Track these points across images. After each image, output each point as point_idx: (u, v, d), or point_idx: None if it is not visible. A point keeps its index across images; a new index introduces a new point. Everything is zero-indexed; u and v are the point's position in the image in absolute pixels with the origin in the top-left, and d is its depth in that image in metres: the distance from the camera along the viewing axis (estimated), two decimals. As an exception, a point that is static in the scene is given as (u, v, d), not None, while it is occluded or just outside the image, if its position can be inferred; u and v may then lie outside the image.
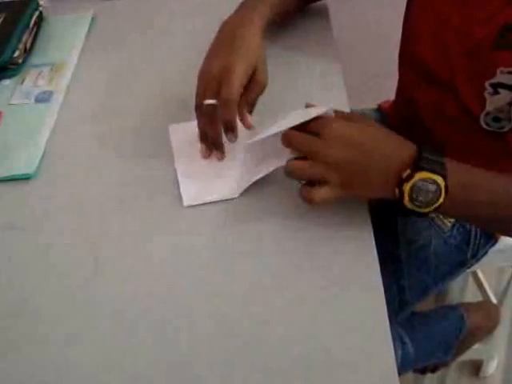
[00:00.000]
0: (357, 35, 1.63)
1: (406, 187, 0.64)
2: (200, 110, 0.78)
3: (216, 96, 0.75)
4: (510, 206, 0.71)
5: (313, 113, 0.68)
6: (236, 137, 0.76)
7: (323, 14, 1.02)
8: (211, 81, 0.76)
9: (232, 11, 0.96)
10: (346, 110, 0.84)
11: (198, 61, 0.96)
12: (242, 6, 0.86)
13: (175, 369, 0.61)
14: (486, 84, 0.82)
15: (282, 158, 0.70)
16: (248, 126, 0.77)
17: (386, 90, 1.10)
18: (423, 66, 0.94)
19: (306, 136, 0.67)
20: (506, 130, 0.86)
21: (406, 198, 0.65)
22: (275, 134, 0.69)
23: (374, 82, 1.29)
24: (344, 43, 1.05)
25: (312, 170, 0.67)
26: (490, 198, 0.70)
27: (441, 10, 0.86)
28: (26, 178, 0.81)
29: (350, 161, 0.66)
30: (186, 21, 1.06)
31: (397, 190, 0.65)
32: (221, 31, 0.82)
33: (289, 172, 0.68)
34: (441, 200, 0.65)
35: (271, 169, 0.73)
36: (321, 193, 0.67)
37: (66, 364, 0.63)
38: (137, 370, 0.62)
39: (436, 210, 0.66)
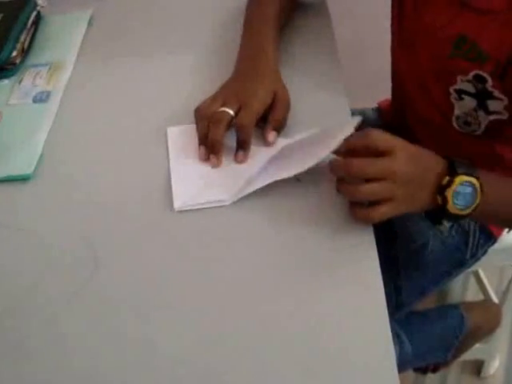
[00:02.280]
0: (357, 34, 1.62)
1: (449, 192, 0.67)
2: (201, 113, 0.80)
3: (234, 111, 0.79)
4: None
5: (338, 136, 0.69)
6: (246, 158, 0.78)
7: (323, 13, 1.02)
8: (231, 99, 0.80)
9: (232, 9, 0.96)
10: (346, 110, 0.84)
11: (198, 60, 0.96)
12: (248, 33, 0.91)
13: (175, 367, 0.61)
14: (451, 89, 0.84)
15: (287, 170, 0.72)
16: (268, 143, 0.79)
17: (386, 89, 1.10)
18: (400, 67, 0.97)
19: (372, 159, 0.67)
20: (478, 133, 0.87)
21: (450, 203, 0.67)
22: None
23: (374, 81, 1.29)
24: (344, 42, 1.04)
25: (382, 189, 0.67)
26: None
27: (410, 11, 0.87)
28: (24, 179, 0.80)
29: (413, 176, 0.68)
30: (185, 19, 1.05)
31: (439, 197, 0.68)
32: (238, 67, 0.87)
33: (359, 195, 0.68)
34: (477, 201, 0.69)
35: (269, 180, 0.73)
36: (385, 209, 0.67)
37: (65, 363, 0.63)
38: (137, 369, 0.62)
39: (473, 211, 0.69)
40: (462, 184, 0.67)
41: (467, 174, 0.68)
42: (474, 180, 0.68)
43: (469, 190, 0.68)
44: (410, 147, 0.69)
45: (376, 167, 0.67)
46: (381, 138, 0.68)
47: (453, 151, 0.92)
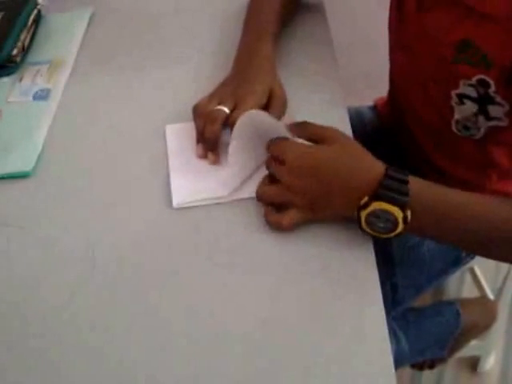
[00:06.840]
0: (354, 32, 1.63)
1: (363, 214, 0.65)
2: (198, 112, 0.81)
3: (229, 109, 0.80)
4: (481, 231, 0.69)
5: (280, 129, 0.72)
6: None
7: (320, 12, 1.02)
8: (227, 97, 0.80)
9: (234, 8, 0.96)
10: (343, 108, 0.85)
11: (199, 58, 0.97)
12: (247, 32, 0.92)
13: (173, 367, 0.62)
14: (452, 93, 0.83)
15: None
16: None
17: (383, 87, 1.10)
18: (399, 68, 0.97)
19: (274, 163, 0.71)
20: (477, 137, 0.87)
21: (363, 224, 0.66)
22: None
23: (371, 79, 1.29)
24: (341, 40, 1.05)
25: (281, 195, 0.70)
26: (458, 224, 0.68)
27: (411, 14, 0.87)
28: (23, 176, 0.81)
29: (314, 186, 0.68)
30: (186, 17, 1.05)
31: (356, 214, 0.66)
32: (235, 65, 0.87)
33: (259, 197, 0.72)
34: (399, 229, 0.65)
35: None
36: (288, 216, 0.70)
37: (63, 361, 0.63)
38: (135, 368, 0.62)
39: (397, 236, 0.66)
40: (379, 210, 0.64)
41: (390, 201, 0.63)
42: (395, 210, 0.63)
43: (390, 217, 0.64)
44: (307, 160, 0.69)
45: (275, 170, 0.71)
46: (282, 148, 0.70)
47: (450, 152, 0.93)
